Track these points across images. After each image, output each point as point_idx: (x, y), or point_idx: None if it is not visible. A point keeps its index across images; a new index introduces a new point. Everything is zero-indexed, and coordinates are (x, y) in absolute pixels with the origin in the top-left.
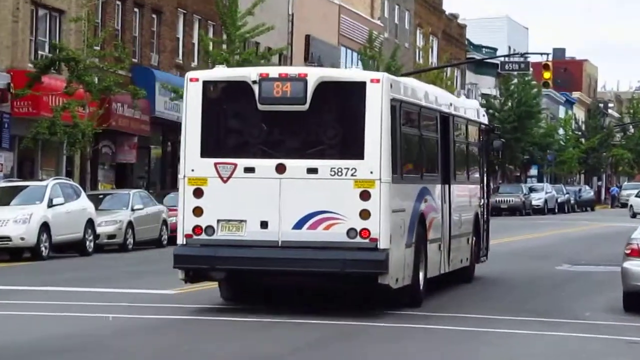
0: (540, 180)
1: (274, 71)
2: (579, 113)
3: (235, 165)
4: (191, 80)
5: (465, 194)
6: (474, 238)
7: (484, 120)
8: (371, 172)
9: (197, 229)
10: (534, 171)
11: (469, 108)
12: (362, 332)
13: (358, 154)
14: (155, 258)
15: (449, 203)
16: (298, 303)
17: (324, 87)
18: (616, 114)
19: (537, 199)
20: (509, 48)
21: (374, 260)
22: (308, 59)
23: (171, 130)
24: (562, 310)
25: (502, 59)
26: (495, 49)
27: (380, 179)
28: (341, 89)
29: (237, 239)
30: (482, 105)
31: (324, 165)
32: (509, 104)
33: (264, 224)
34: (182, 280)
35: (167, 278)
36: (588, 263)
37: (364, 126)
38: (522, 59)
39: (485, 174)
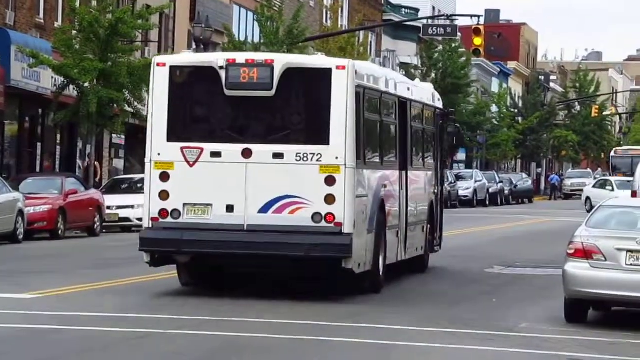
0: (469, 166)
1: (240, 57)
2: (516, 87)
3: (202, 149)
4: (158, 64)
5: (421, 181)
6: (429, 226)
7: (439, 104)
8: (336, 158)
9: (163, 212)
10: (461, 155)
11: (424, 91)
12: (273, 345)
13: (323, 139)
14: (9, 256)
15: (406, 190)
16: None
17: (290, 73)
18: (559, 89)
19: (464, 189)
20: (433, 9)
21: (338, 244)
22: (194, 19)
23: (30, 102)
24: (493, 320)
25: (425, 21)
26: (417, 10)
27: (345, 165)
28: (307, 75)
29: (203, 223)
30: None
31: (289, 150)
32: (433, 75)
33: (229, 208)
34: (147, 264)
35: (24, 280)
36: (524, 265)
37: (330, 112)
38: (448, 22)
39: (439, 161)
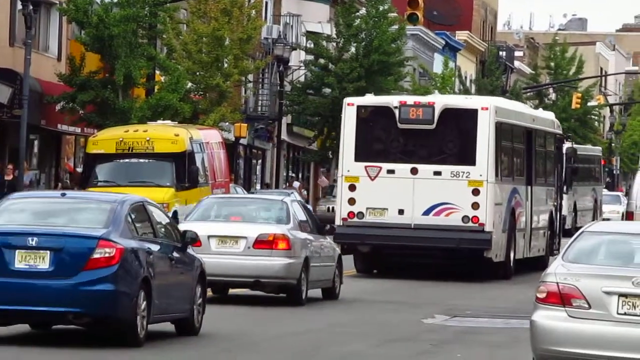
0: None
1: (410, 99)
2: (467, 66)
3: (380, 168)
4: (348, 104)
5: (543, 195)
6: (549, 232)
7: (559, 130)
8: (480, 175)
9: (350, 214)
10: None
11: (546, 120)
12: None
13: (471, 161)
14: None
15: (531, 201)
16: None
17: (446, 112)
18: (527, 69)
19: None
20: None
21: (481, 239)
22: None
23: None
24: None
25: None
26: None
27: (487, 180)
28: (459, 114)
29: (380, 222)
30: (310, 52)
31: (446, 169)
32: (352, 49)
33: (400, 211)
34: None
35: None
36: (477, 314)
37: (476, 141)
38: None
39: (558, 178)
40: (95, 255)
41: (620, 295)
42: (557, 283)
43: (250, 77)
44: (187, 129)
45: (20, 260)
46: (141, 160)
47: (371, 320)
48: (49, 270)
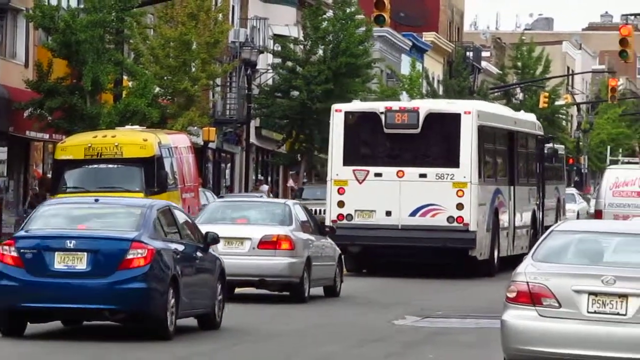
0: None
1: (395, 105)
2: (435, 67)
3: (368, 171)
4: (336, 110)
5: (525, 194)
6: (532, 230)
7: (540, 132)
8: (464, 177)
9: (339, 216)
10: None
11: (527, 122)
12: None
13: (455, 164)
14: None
15: (514, 201)
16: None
17: (431, 116)
18: (494, 69)
19: None
20: None
21: (466, 238)
22: None
23: None
24: None
25: None
26: None
27: (470, 182)
28: (443, 118)
29: (368, 223)
30: (277, 55)
31: (431, 171)
32: (319, 52)
33: (388, 213)
34: None
35: None
36: (448, 315)
37: (459, 144)
38: None
39: (541, 178)
40: (129, 256)
41: (590, 293)
42: (527, 282)
43: (218, 81)
44: (155, 134)
45: (60, 262)
46: (110, 166)
47: (355, 320)
48: (86, 271)
